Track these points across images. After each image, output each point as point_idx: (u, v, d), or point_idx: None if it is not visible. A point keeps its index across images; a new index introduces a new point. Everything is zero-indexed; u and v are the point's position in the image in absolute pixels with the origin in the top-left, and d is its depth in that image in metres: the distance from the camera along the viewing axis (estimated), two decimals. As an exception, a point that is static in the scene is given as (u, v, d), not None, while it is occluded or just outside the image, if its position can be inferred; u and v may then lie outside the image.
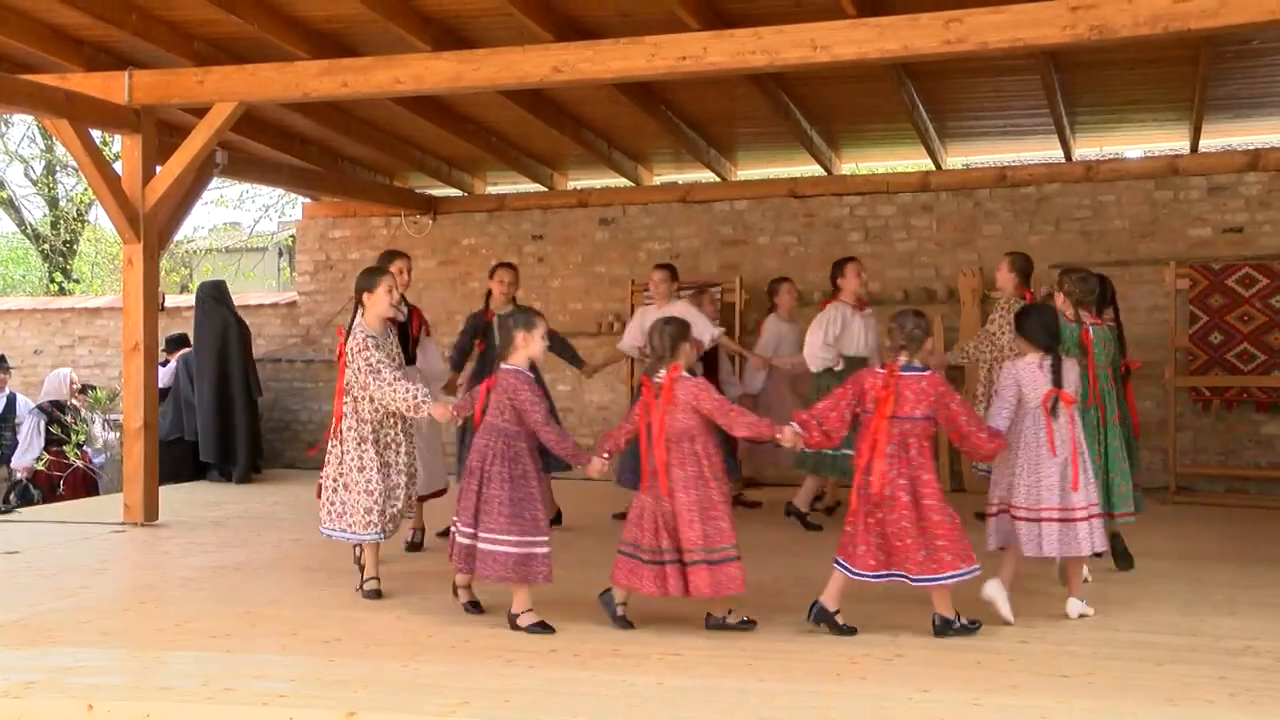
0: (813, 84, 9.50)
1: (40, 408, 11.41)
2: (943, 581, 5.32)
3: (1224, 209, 10.23)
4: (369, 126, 10.81)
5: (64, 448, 11.10)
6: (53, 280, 19.95)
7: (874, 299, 10.87)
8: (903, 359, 5.45)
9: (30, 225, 20.70)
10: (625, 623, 5.58)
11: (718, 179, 11.86)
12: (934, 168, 11.20)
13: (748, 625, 5.51)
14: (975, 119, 10.59)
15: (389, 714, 4.40)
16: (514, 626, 5.54)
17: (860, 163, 12.57)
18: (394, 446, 6.31)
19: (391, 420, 6.28)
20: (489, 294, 8.39)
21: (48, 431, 11.17)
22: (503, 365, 5.70)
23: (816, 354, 8.24)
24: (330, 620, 5.79)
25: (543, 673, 4.89)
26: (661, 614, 5.75)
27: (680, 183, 12.17)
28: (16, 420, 11.60)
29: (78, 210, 20.38)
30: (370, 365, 6.07)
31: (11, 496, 10.98)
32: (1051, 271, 10.26)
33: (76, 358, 13.50)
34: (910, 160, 11.88)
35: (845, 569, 5.43)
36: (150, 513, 8.64)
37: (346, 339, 6.26)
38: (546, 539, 5.56)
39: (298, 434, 12.67)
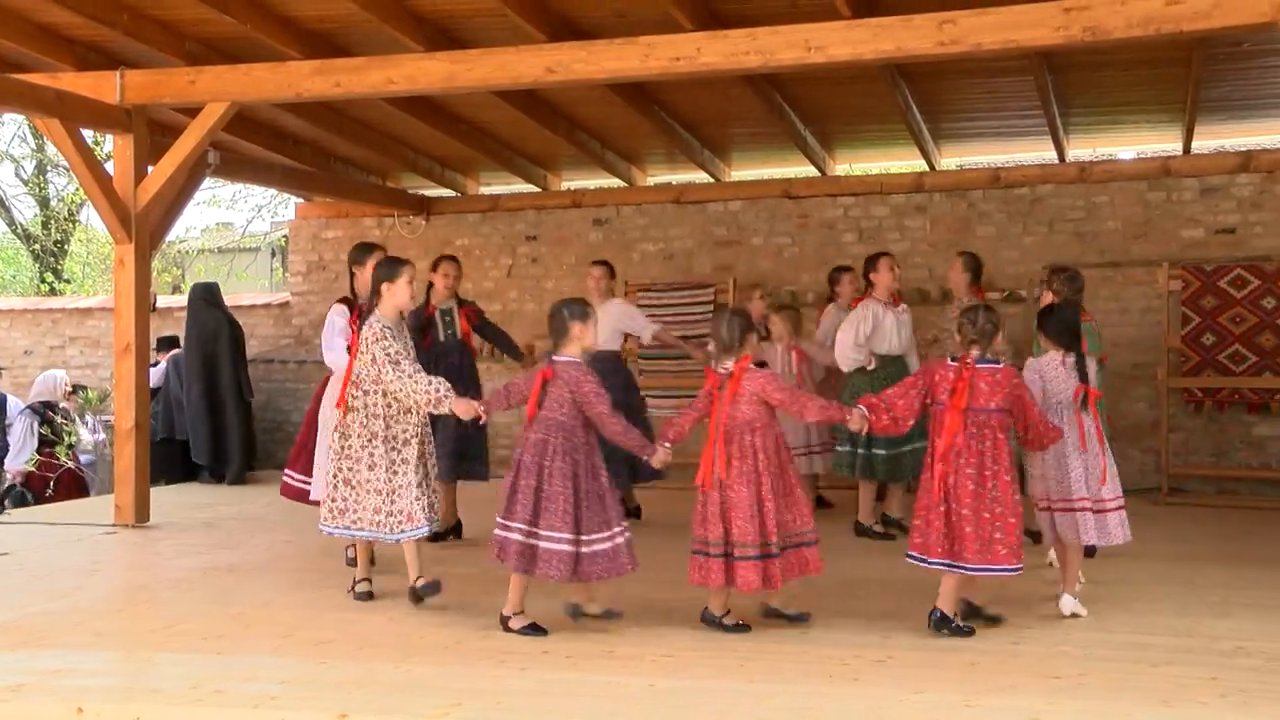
0: (807, 85, 9.49)
1: (31, 408, 11.38)
2: (995, 573, 5.40)
3: (1216, 210, 10.25)
4: (362, 127, 10.78)
5: (55, 449, 11.07)
6: (43, 280, 19.92)
7: (868, 300, 10.91)
8: (975, 352, 5.50)
9: (21, 225, 20.68)
10: (742, 627, 5.50)
11: (712, 180, 11.86)
12: (928, 169, 11.20)
13: (803, 617, 5.57)
14: (969, 120, 10.60)
15: (381, 716, 4.38)
16: (577, 617, 5.51)
17: (854, 164, 12.58)
18: (408, 443, 5.94)
19: (404, 415, 5.95)
20: (430, 287, 8.15)
21: (39, 433, 11.13)
22: (556, 357, 5.53)
23: (847, 354, 8.01)
24: (323, 622, 5.77)
25: (535, 674, 4.88)
26: (653, 615, 5.75)
27: (674, 183, 12.16)
28: (7, 422, 11.56)
29: (69, 210, 20.36)
30: (389, 356, 5.78)
31: (6, 500, 10.93)
32: (1045, 273, 10.30)
33: (67, 358, 13.46)
34: (904, 161, 11.88)
35: (922, 561, 5.48)
36: (141, 514, 8.61)
37: (360, 329, 6.05)
38: (615, 533, 5.42)
39: (291, 435, 12.55)
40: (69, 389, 11.73)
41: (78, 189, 18.48)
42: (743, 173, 12.19)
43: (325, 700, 4.53)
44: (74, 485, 11.18)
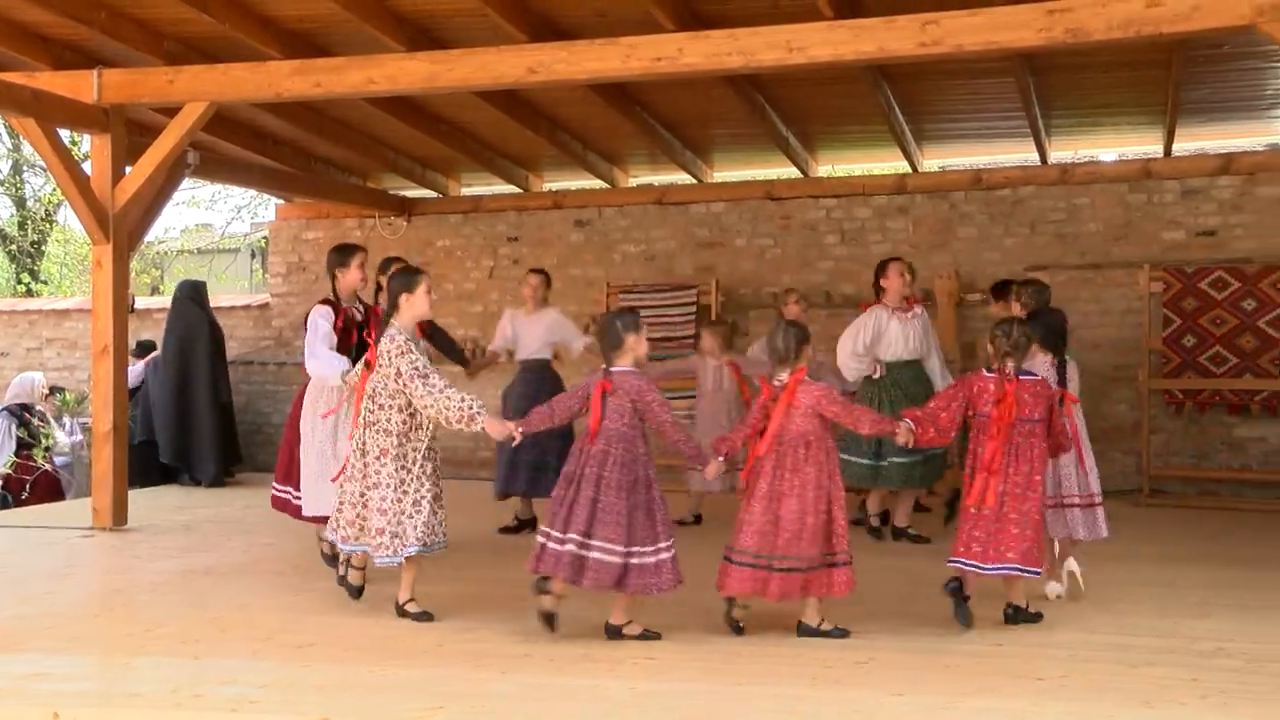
0: (789, 86, 9.49)
1: (8, 410, 11.29)
2: (1025, 573, 5.54)
3: (1197, 212, 10.28)
4: (342, 127, 10.75)
5: (32, 451, 10.98)
6: (20, 281, 19.78)
7: (849, 301, 10.93)
8: (1010, 365, 5.59)
9: (-4, 226, 20.54)
10: (738, 628, 5.49)
11: (694, 181, 11.85)
12: (910, 170, 11.21)
13: (841, 633, 5.45)
14: (951, 121, 10.62)
15: (362, 719, 4.35)
16: (618, 636, 5.39)
17: (836, 165, 12.59)
18: (418, 462, 5.73)
19: (419, 434, 5.74)
20: (379, 290, 7.59)
21: (16, 435, 11.05)
22: (614, 368, 5.45)
23: (847, 364, 7.94)
24: (303, 625, 5.73)
25: (516, 677, 4.85)
26: (635, 618, 5.70)
27: (656, 184, 12.15)
28: (-16, 424, 11.48)
29: (46, 210, 20.23)
30: (417, 370, 5.55)
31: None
32: (1026, 275, 10.32)
33: (44, 360, 13.36)
34: (886, 163, 11.89)
35: (974, 566, 5.54)
36: (119, 517, 8.55)
37: (376, 341, 5.80)
38: (661, 548, 5.34)
39: (270, 437, 12.55)
40: (46, 391, 11.64)
41: (55, 189, 18.37)
42: (725, 174, 12.18)
43: (305, 704, 4.50)
44: (51, 488, 11.09)
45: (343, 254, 6.68)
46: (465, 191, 12.81)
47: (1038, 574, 5.60)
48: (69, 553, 7.79)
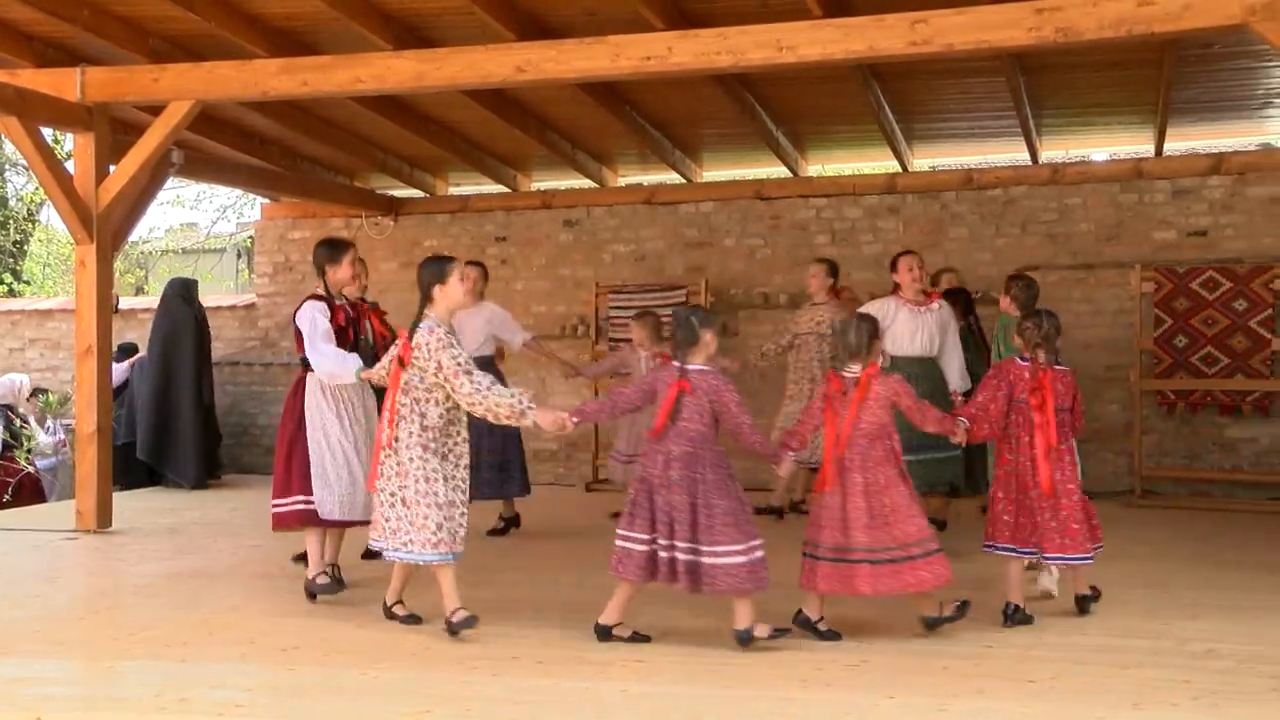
0: (778, 85, 9.46)
1: (-7, 411, 11.23)
2: (1074, 561, 5.69)
3: (1188, 212, 10.26)
4: (329, 126, 10.70)
5: (15, 453, 10.91)
6: (2, 281, 19.66)
7: (840, 301, 10.89)
8: (1043, 356, 5.76)
9: (-22, 225, 20.41)
10: (833, 634, 5.43)
11: (683, 181, 11.81)
12: (900, 170, 11.18)
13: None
14: (942, 121, 10.60)
15: (348, 724, 4.32)
16: (749, 640, 5.25)
17: (826, 164, 12.55)
18: (456, 457, 5.61)
19: (456, 428, 5.61)
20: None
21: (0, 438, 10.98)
22: (689, 366, 5.34)
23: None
24: (289, 628, 5.70)
25: (506, 680, 4.83)
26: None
27: (645, 184, 12.10)
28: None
29: (28, 210, 20.13)
30: (460, 365, 5.41)
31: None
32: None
33: (27, 361, 13.27)
34: (876, 162, 11.87)
35: (1009, 550, 5.71)
36: (103, 519, 8.49)
37: (411, 334, 5.58)
38: (754, 545, 5.24)
39: (256, 439, 12.51)
40: (29, 393, 11.56)
41: (37, 188, 18.27)
42: (714, 173, 12.14)
43: (292, 707, 4.49)
44: (34, 490, 11.01)
45: (334, 249, 6.44)
46: (453, 191, 12.76)
47: (1090, 559, 5.72)
48: (53, 555, 7.74)
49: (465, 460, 5.64)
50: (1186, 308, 9.86)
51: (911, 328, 7.72)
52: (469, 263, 8.40)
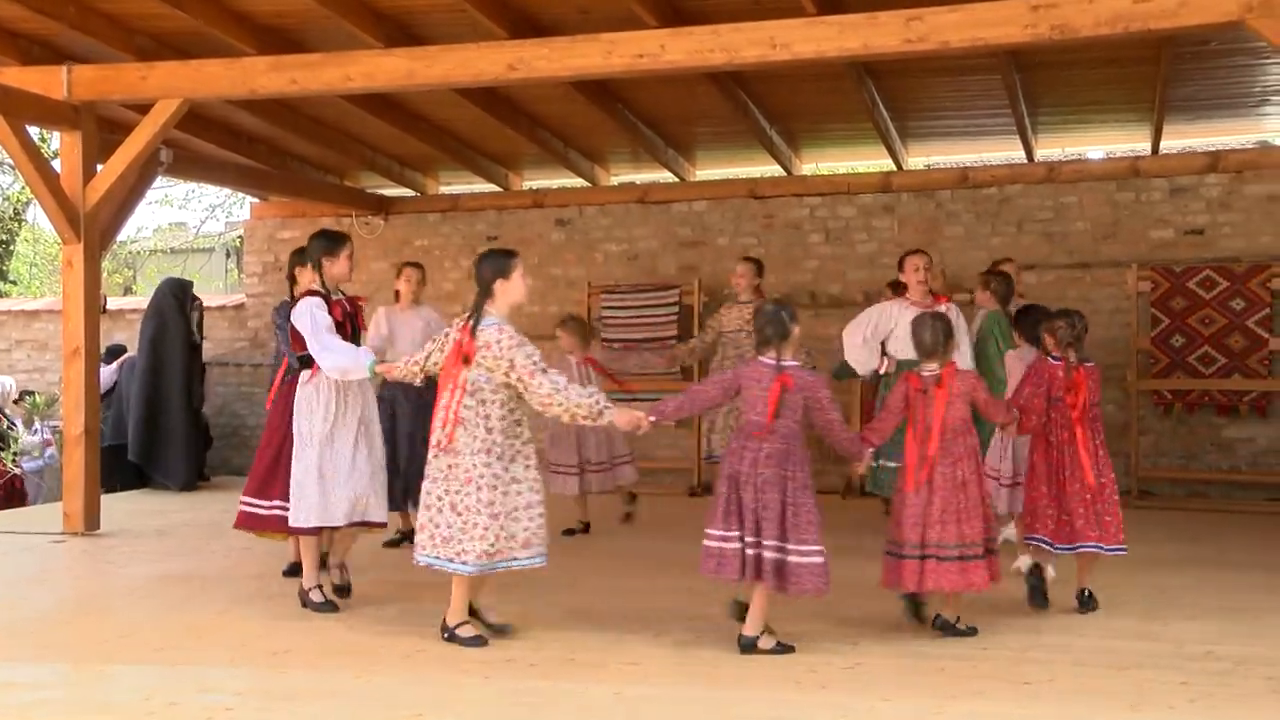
0: (772, 82, 9.43)
1: (-20, 412, 11.16)
2: (1109, 551, 5.90)
3: (1185, 210, 10.23)
4: (318, 124, 10.66)
5: (2, 455, 10.84)
6: (-12, 282, 19.59)
7: (834, 301, 10.86)
8: (1073, 354, 5.96)
9: (-36, 225, 20.31)
10: (972, 630, 5.51)
11: (676, 179, 11.77)
12: (895, 168, 11.14)
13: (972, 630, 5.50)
14: (936, 119, 10.57)
15: (339, 729, 4.29)
16: (753, 648, 5.22)
17: (820, 163, 12.52)
18: (525, 459, 5.39)
19: (521, 428, 5.39)
20: (293, 284, 6.95)
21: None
22: (784, 362, 5.28)
23: (853, 355, 7.75)
24: (280, 631, 5.65)
25: (498, 683, 4.80)
26: (615, 623, 5.68)
27: (638, 183, 12.07)
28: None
29: (14, 209, 20.02)
30: (536, 363, 5.22)
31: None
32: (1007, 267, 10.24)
33: (14, 362, 13.21)
34: (871, 160, 11.83)
35: (1045, 543, 5.92)
36: (91, 522, 8.42)
37: (473, 330, 5.33)
38: (820, 549, 5.22)
39: (246, 440, 12.42)
40: (16, 396, 11.49)
41: (23, 187, 18.16)
42: (707, 172, 12.11)
43: (282, 712, 4.45)
44: (20, 493, 10.93)
45: (331, 242, 6.13)
46: (444, 190, 12.71)
47: (1124, 551, 5.95)
48: (39, 559, 7.67)
49: (534, 460, 5.43)
50: (1183, 307, 9.84)
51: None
52: (407, 263, 8.27)
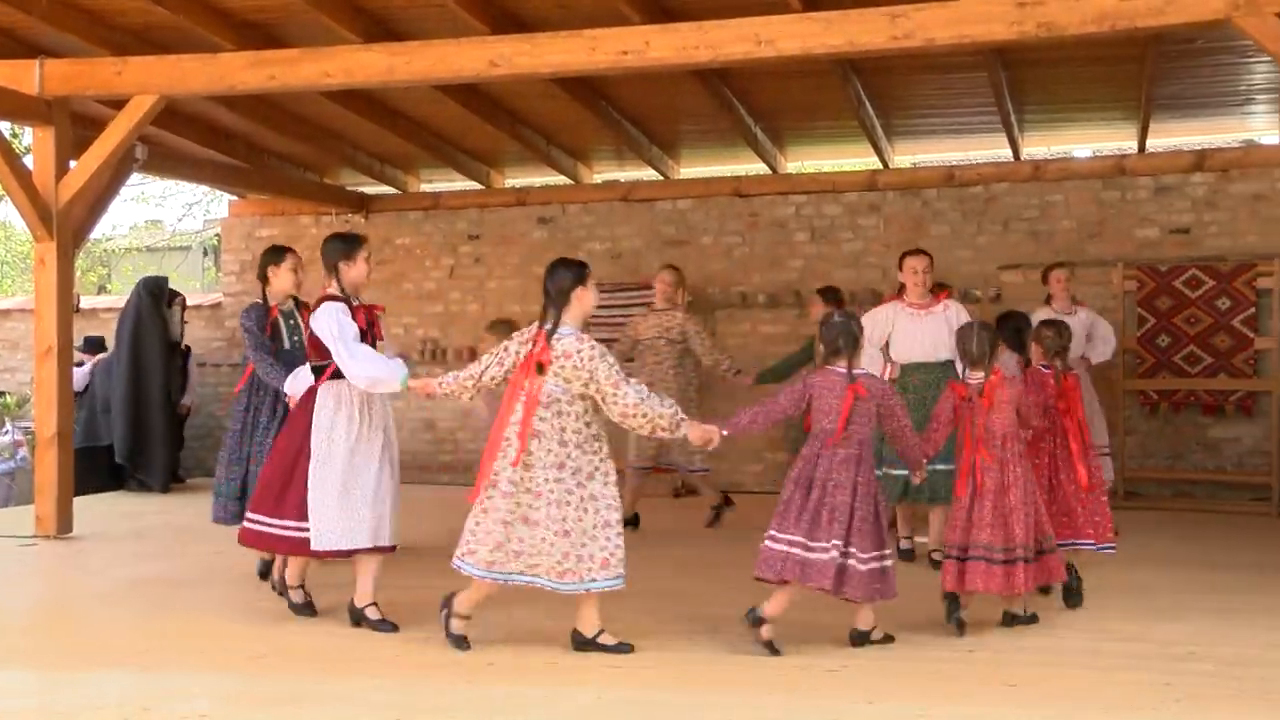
0: (757, 79, 9.39)
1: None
2: (1102, 550, 6.19)
3: (1171, 209, 10.21)
4: (298, 121, 10.58)
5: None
6: (-42, 281, 19.47)
7: (820, 301, 10.78)
8: (1060, 363, 6.27)
9: (-67, 223, 20.20)
10: (1033, 617, 5.72)
11: (660, 177, 11.71)
12: (881, 166, 11.10)
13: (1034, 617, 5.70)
14: (922, 116, 10.55)
15: (317, 735, 4.25)
16: (863, 643, 5.30)
17: (806, 161, 12.47)
18: (604, 476, 5.20)
19: (593, 442, 5.21)
20: (266, 284, 6.79)
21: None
22: (856, 370, 5.32)
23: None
24: (257, 635, 5.58)
25: (479, 688, 4.76)
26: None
27: (621, 181, 12.00)
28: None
29: (-14, 206, 19.90)
30: (620, 374, 5.10)
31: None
32: (999, 273, 10.25)
33: (-15, 362, 13.06)
34: (856, 159, 11.78)
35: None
36: (64, 525, 8.30)
37: (549, 341, 5.19)
38: (888, 553, 5.32)
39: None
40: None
41: (-6, 184, 18.01)
42: (692, 170, 12.06)
43: (259, 717, 4.41)
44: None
45: (349, 244, 5.82)
46: (425, 188, 12.62)
47: (1113, 550, 6.27)
48: (10, 562, 7.57)
49: (613, 477, 5.25)
50: (1169, 306, 9.82)
51: (913, 333, 7.32)
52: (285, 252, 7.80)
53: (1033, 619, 5.69)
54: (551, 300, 5.29)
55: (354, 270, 5.78)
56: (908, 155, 11.54)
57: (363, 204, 12.30)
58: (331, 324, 5.56)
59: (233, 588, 6.64)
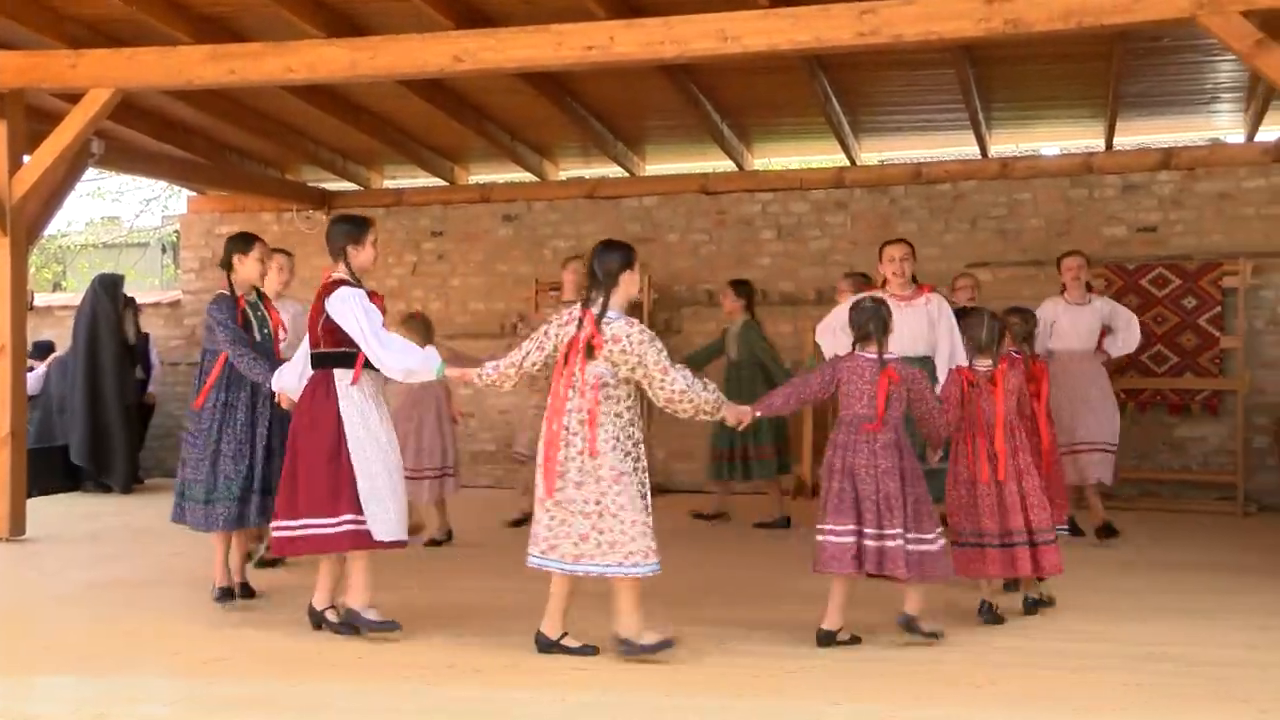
0: (724, 75, 9.36)
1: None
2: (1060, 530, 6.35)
3: (1138, 208, 10.24)
4: (258, 116, 10.49)
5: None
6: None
7: (787, 299, 10.76)
8: (1028, 348, 6.61)
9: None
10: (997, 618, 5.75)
11: (626, 174, 11.68)
12: (848, 164, 11.09)
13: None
14: (889, 113, 10.55)
15: (274, 740, 4.19)
16: (913, 630, 5.34)
17: (773, 158, 12.42)
18: (643, 469, 5.15)
19: (635, 427, 5.13)
20: (230, 273, 6.39)
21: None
22: (887, 355, 5.39)
23: (825, 343, 7.52)
24: (215, 638, 5.51)
25: (442, 690, 4.71)
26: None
27: (587, 178, 11.96)
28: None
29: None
30: (668, 359, 5.05)
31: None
32: (974, 270, 10.19)
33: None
34: (824, 155, 11.78)
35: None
36: (17, 527, 8.18)
37: (598, 324, 5.07)
38: (940, 533, 5.45)
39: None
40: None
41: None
42: (658, 167, 12.03)
43: None
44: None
45: (358, 227, 5.67)
46: (388, 184, 12.55)
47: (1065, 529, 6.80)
48: (-38, 565, 7.45)
49: (644, 462, 5.18)
50: (1136, 305, 9.78)
51: (904, 323, 6.88)
52: (278, 250, 7.65)
53: (1050, 602, 5.95)
54: (599, 283, 5.17)
55: (363, 254, 5.65)
56: (875, 152, 11.55)
57: (324, 200, 12.20)
58: (357, 311, 5.41)
59: (192, 591, 6.52)
